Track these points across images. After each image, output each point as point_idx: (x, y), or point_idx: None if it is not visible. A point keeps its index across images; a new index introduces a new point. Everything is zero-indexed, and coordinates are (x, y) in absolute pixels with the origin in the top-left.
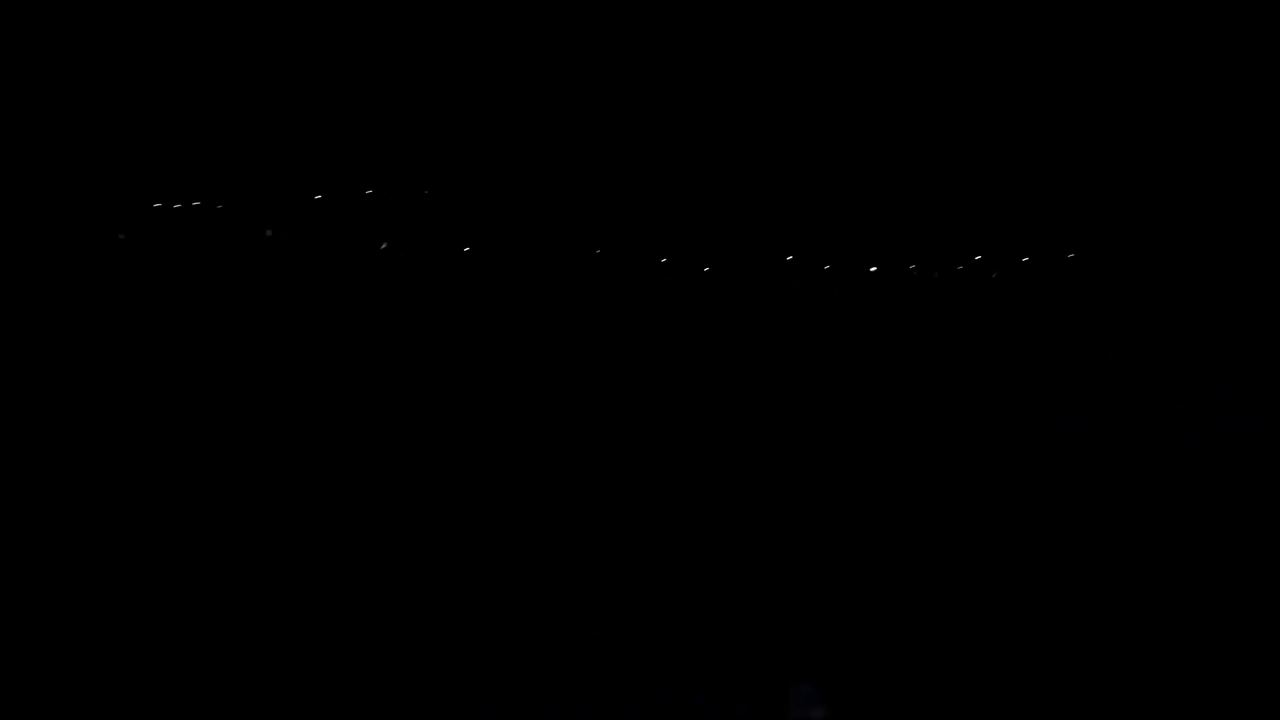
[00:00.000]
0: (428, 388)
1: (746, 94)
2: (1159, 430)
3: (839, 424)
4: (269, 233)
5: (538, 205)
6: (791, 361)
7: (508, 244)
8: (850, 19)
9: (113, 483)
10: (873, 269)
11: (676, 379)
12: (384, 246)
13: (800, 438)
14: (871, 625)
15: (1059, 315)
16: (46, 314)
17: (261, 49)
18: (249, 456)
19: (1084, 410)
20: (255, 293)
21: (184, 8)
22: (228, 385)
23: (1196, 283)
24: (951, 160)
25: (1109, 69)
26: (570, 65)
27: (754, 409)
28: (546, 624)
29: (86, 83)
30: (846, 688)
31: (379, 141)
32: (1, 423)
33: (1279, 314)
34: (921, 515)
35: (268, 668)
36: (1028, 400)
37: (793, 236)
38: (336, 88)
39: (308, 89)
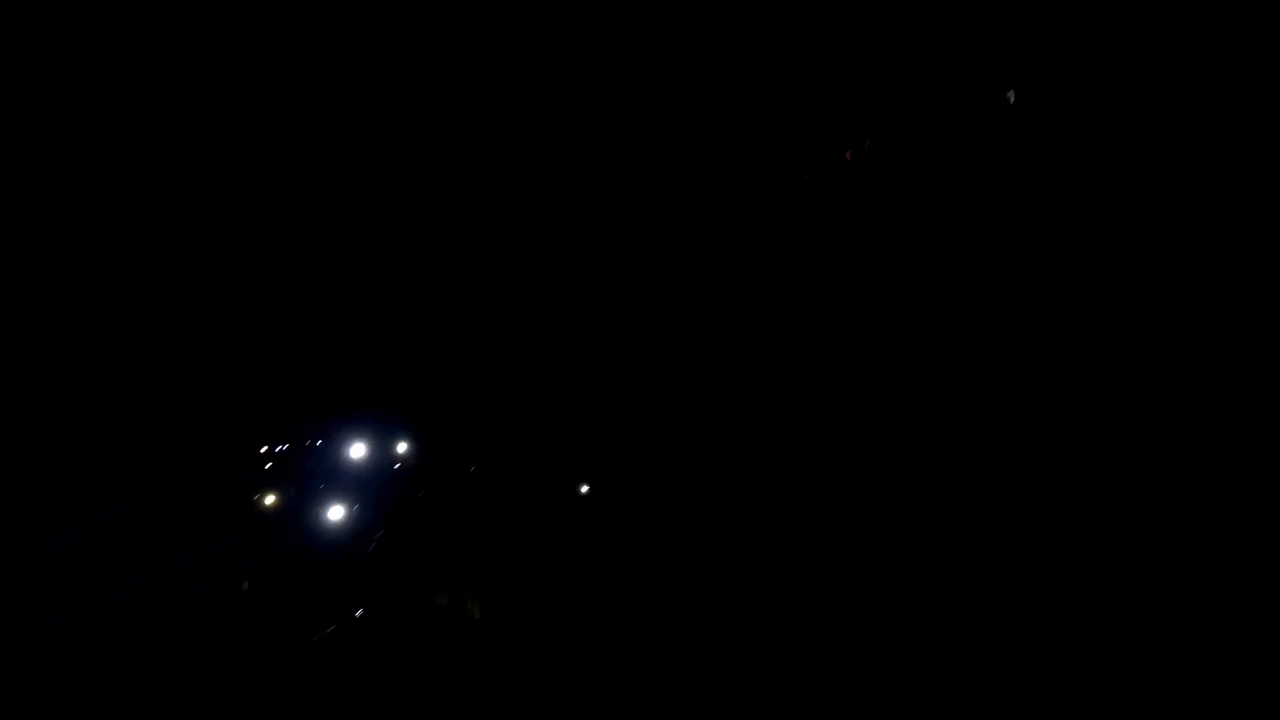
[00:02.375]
0: (435, 387)
1: (744, 93)
2: (1184, 421)
3: (862, 415)
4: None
5: (537, 205)
6: (812, 353)
7: (506, 245)
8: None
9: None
10: (897, 262)
11: (684, 380)
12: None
13: (824, 428)
14: (898, 615)
15: (1084, 306)
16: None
17: (262, 49)
18: (252, 457)
19: (1109, 401)
20: (254, 294)
21: (184, 8)
22: (228, 384)
23: (1222, 273)
24: (973, 153)
25: (1126, 63)
26: (567, 68)
27: (777, 400)
28: (581, 618)
29: (86, 82)
30: (877, 679)
31: (380, 142)
32: (3, 422)
33: None
34: (944, 506)
35: (300, 660)
36: (1052, 391)
37: (817, 232)
38: (335, 88)
39: (308, 89)
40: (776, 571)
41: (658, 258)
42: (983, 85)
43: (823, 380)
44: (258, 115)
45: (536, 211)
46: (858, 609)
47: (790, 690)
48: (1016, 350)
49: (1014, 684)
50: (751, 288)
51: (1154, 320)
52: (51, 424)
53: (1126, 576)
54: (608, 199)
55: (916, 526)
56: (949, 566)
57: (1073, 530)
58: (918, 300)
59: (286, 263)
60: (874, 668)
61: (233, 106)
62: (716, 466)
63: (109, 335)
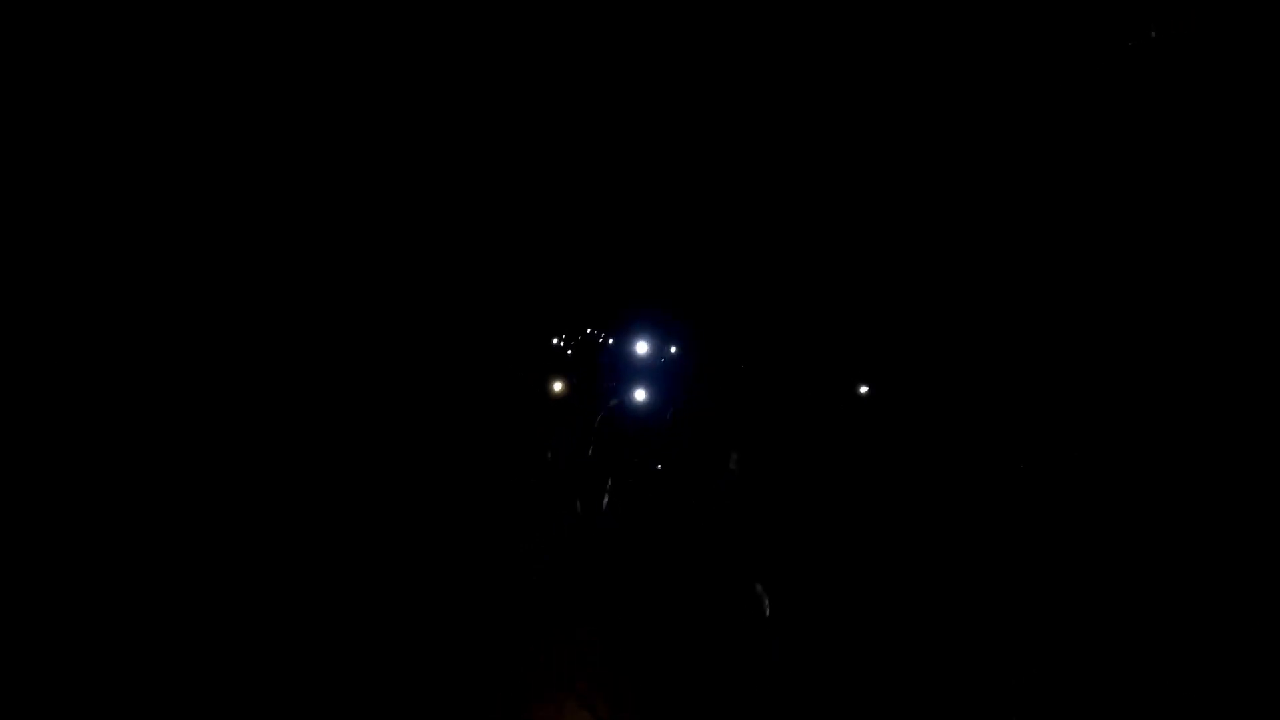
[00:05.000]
0: (436, 391)
1: (745, 94)
2: (1183, 421)
3: (862, 415)
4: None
5: (545, 211)
6: (812, 353)
7: (512, 247)
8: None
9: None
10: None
11: (687, 380)
12: None
13: (823, 428)
14: (898, 615)
15: (1084, 306)
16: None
17: (262, 49)
18: (257, 458)
19: (1108, 401)
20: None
21: (185, 8)
22: (227, 385)
23: (1222, 273)
24: (958, 161)
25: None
26: (567, 69)
27: (776, 400)
28: (580, 618)
29: (86, 82)
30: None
31: (381, 142)
32: (3, 422)
33: None
34: (945, 507)
35: (299, 661)
36: (1052, 391)
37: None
38: (336, 88)
39: (308, 89)
40: (776, 571)
41: (658, 257)
42: (982, 85)
43: (822, 380)
44: (267, 115)
45: (543, 216)
46: (858, 610)
47: (791, 690)
48: (1016, 350)
49: (1014, 684)
50: (752, 287)
51: (1154, 320)
52: (51, 423)
53: (1126, 576)
54: (608, 199)
55: (917, 527)
56: (949, 567)
57: (1072, 530)
58: (918, 300)
59: (283, 259)
60: (873, 667)
61: (234, 107)
62: (714, 465)
63: (109, 335)
